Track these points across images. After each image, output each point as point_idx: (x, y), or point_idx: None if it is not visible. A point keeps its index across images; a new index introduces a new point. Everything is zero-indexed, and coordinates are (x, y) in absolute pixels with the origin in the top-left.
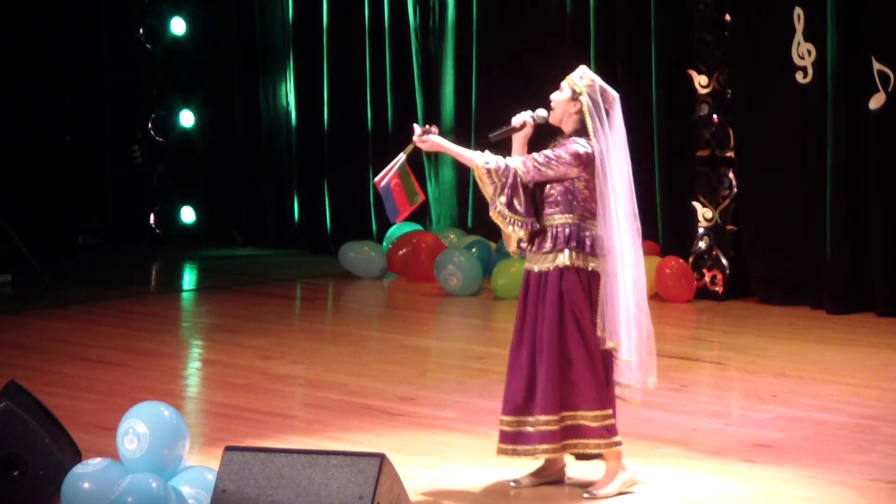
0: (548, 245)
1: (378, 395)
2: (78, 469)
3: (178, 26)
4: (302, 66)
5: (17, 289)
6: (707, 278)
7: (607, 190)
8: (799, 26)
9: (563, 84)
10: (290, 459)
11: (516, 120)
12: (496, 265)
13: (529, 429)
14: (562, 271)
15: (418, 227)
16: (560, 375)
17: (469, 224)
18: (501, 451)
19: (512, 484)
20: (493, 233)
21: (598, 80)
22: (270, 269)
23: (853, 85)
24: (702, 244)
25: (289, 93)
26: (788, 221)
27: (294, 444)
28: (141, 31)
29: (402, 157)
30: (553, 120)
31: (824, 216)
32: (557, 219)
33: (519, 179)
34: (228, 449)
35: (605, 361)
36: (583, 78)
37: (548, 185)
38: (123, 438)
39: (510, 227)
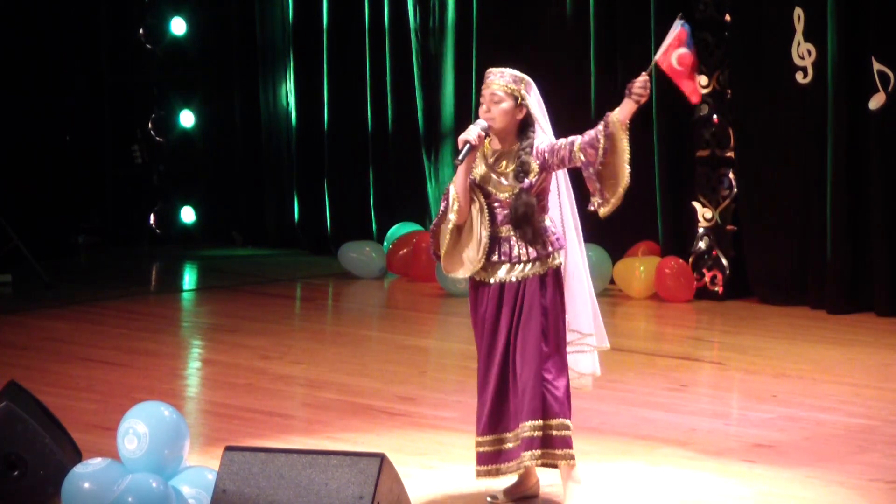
0: (531, 251)
1: (378, 395)
2: (78, 469)
3: (178, 26)
4: (302, 66)
5: (17, 289)
6: (707, 278)
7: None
8: (799, 26)
9: (498, 92)
10: (290, 459)
11: (472, 136)
12: None
13: (509, 445)
14: (542, 276)
15: (418, 227)
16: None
17: None
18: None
19: (489, 499)
20: None
21: (515, 73)
22: (270, 269)
23: (853, 85)
24: (702, 244)
25: (289, 93)
26: (788, 221)
27: (294, 444)
28: (141, 31)
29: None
30: (497, 128)
31: (824, 216)
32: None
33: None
34: (228, 449)
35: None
36: (516, 80)
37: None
38: (123, 438)
39: None
